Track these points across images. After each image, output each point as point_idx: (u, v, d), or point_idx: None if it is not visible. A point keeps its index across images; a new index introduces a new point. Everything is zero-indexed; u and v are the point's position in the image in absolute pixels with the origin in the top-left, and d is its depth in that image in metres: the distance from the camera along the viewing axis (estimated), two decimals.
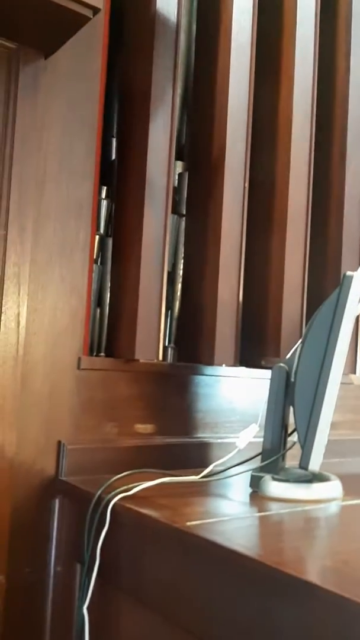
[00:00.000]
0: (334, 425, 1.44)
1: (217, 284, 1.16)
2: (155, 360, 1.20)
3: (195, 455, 1.14)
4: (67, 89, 1.03)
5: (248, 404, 1.27)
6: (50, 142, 1.01)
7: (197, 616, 0.71)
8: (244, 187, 1.17)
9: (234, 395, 1.26)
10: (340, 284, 0.88)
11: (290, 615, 0.59)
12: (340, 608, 0.54)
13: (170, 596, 0.75)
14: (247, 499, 0.92)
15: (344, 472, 1.21)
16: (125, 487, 0.87)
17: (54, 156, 1.01)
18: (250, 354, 1.32)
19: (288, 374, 0.99)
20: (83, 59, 1.04)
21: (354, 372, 1.39)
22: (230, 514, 0.83)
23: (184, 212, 1.28)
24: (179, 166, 1.35)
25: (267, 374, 1.02)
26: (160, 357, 1.23)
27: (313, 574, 0.59)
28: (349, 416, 1.44)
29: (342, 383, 1.45)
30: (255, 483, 0.96)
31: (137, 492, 0.87)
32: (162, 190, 1.08)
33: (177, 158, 1.36)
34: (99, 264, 1.19)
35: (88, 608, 0.83)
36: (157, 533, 0.79)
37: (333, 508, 0.89)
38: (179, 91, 1.27)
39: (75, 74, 1.04)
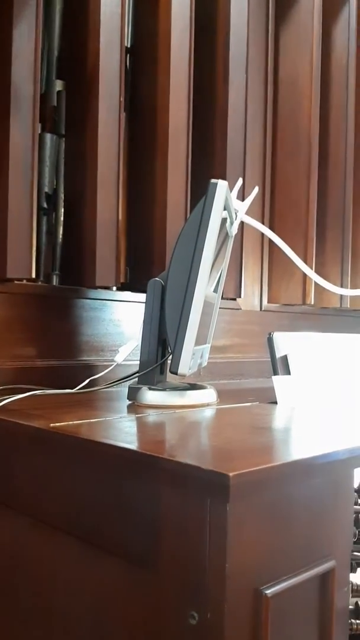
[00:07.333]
0: (222, 349, 1.50)
1: (96, 204, 1.14)
2: (39, 282, 1.18)
3: (81, 377, 1.14)
4: None
5: (136, 329, 1.27)
6: None
7: (64, 512, 0.72)
8: (120, 101, 1.14)
9: (122, 320, 1.26)
10: (206, 192, 0.89)
11: (143, 495, 0.61)
12: (183, 476, 0.56)
13: (38, 497, 0.76)
14: (124, 408, 0.94)
15: (229, 390, 1.26)
16: None
17: None
18: (138, 278, 1.32)
19: (164, 288, 1.00)
20: None
21: (239, 296, 1.43)
22: (101, 417, 0.84)
23: (64, 133, 1.24)
24: (58, 85, 1.29)
25: None
26: (42, 280, 1.21)
27: (162, 451, 0.62)
28: (236, 340, 1.49)
29: (229, 308, 1.50)
30: (133, 394, 0.97)
31: (8, 404, 0.86)
32: (28, 99, 1.03)
33: (58, 77, 1.30)
34: None
35: None
36: (23, 438, 0.79)
37: (206, 411, 0.92)
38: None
39: None
